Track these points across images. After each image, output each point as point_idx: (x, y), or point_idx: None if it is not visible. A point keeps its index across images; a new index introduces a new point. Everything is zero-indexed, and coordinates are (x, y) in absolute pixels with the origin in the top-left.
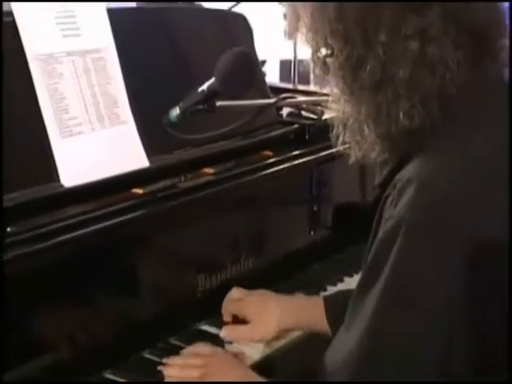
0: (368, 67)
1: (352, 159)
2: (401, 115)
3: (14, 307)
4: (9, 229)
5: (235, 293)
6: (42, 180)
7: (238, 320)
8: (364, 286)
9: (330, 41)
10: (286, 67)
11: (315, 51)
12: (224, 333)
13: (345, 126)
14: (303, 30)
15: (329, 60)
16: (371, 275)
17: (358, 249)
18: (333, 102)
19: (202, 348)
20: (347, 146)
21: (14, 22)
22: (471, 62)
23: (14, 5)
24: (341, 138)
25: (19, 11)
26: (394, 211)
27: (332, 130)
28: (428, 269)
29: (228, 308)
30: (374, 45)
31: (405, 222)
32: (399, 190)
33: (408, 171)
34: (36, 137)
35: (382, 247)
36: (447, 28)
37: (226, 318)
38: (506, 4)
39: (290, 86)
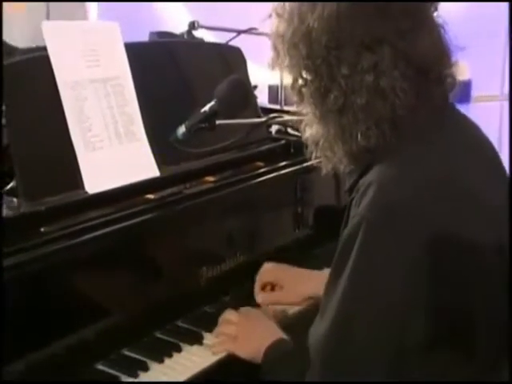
0: (332, 96)
1: (324, 171)
2: (359, 136)
3: (45, 294)
4: (42, 229)
5: (269, 265)
6: (70, 187)
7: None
8: (333, 277)
9: (303, 74)
10: (273, 91)
11: (293, 82)
12: (260, 298)
13: (317, 144)
14: (283, 64)
15: (303, 89)
16: (339, 267)
17: (336, 243)
18: (306, 124)
19: (232, 314)
20: (320, 160)
21: (48, 56)
22: (418, 90)
23: (47, 41)
24: (314, 154)
25: (52, 47)
26: (357, 210)
27: (307, 148)
28: (385, 259)
29: (263, 277)
30: (337, 77)
31: (365, 219)
32: (361, 193)
33: (369, 177)
34: (64, 151)
35: (347, 242)
36: (397, 63)
37: (258, 287)
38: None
39: (278, 107)
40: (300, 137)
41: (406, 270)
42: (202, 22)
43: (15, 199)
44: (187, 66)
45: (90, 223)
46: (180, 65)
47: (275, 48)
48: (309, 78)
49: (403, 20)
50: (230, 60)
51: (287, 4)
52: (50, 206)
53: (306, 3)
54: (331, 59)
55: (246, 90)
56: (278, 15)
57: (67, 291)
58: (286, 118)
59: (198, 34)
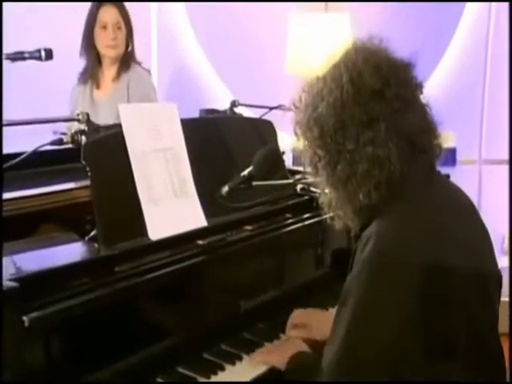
0: (340, 167)
1: (337, 227)
2: (361, 196)
3: (117, 320)
4: (116, 268)
5: (298, 310)
6: (137, 235)
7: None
8: (340, 310)
9: (317, 151)
10: (297, 155)
11: (310, 159)
12: (292, 333)
13: (330, 206)
14: (302, 145)
15: (318, 164)
16: (345, 301)
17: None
18: (321, 191)
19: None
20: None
21: (122, 131)
22: (408, 158)
23: (122, 120)
24: (328, 215)
25: (126, 124)
26: (360, 256)
27: (322, 210)
28: (383, 292)
29: (294, 320)
30: (343, 152)
31: (367, 263)
32: (364, 243)
33: (369, 230)
34: (133, 206)
35: (352, 281)
36: (390, 136)
37: (289, 327)
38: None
39: (301, 169)
40: (319, 193)
41: (400, 299)
42: (240, 101)
43: (96, 244)
44: (229, 136)
45: (152, 264)
46: (224, 136)
47: (295, 133)
48: (321, 154)
49: (395, 102)
50: (263, 132)
51: (303, 97)
52: (122, 250)
53: (316, 95)
54: (338, 137)
55: (277, 158)
56: (296, 107)
57: (134, 319)
58: (309, 179)
59: (238, 110)
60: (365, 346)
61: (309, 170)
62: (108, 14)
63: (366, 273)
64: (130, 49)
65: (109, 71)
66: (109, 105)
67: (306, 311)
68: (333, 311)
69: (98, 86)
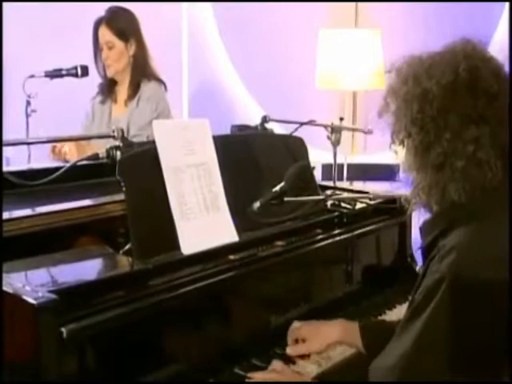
0: (435, 152)
1: (414, 208)
2: (452, 191)
3: (149, 334)
4: (150, 282)
5: (296, 323)
6: (170, 249)
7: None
8: (411, 315)
9: (408, 126)
10: (326, 169)
11: (396, 132)
12: (288, 350)
13: (414, 185)
14: (389, 114)
15: (406, 140)
16: (416, 312)
17: (379, 297)
18: (403, 171)
19: (276, 364)
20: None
21: (156, 147)
22: (503, 170)
23: (156, 136)
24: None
25: (159, 141)
26: (439, 266)
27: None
28: (459, 310)
29: (292, 334)
30: (442, 138)
31: (447, 278)
32: (444, 252)
33: (451, 240)
34: (166, 221)
35: (428, 291)
36: (494, 142)
37: (290, 342)
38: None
39: (331, 184)
40: (351, 209)
41: (476, 317)
42: (271, 116)
43: (130, 258)
44: (261, 153)
45: (185, 279)
46: (255, 152)
47: (385, 100)
48: (414, 130)
49: (503, 111)
50: (294, 148)
51: (405, 67)
52: (156, 264)
53: (423, 70)
54: (439, 121)
55: (308, 175)
56: (398, 73)
57: (166, 332)
58: (339, 194)
59: (269, 125)
60: (431, 363)
61: (390, 141)
62: (100, 35)
63: (445, 286)
64: (132, 61)
65: (122, 87)
66: (123, 122)
67: (306, 324)
68: (332, 322)
69: (115, 101)
